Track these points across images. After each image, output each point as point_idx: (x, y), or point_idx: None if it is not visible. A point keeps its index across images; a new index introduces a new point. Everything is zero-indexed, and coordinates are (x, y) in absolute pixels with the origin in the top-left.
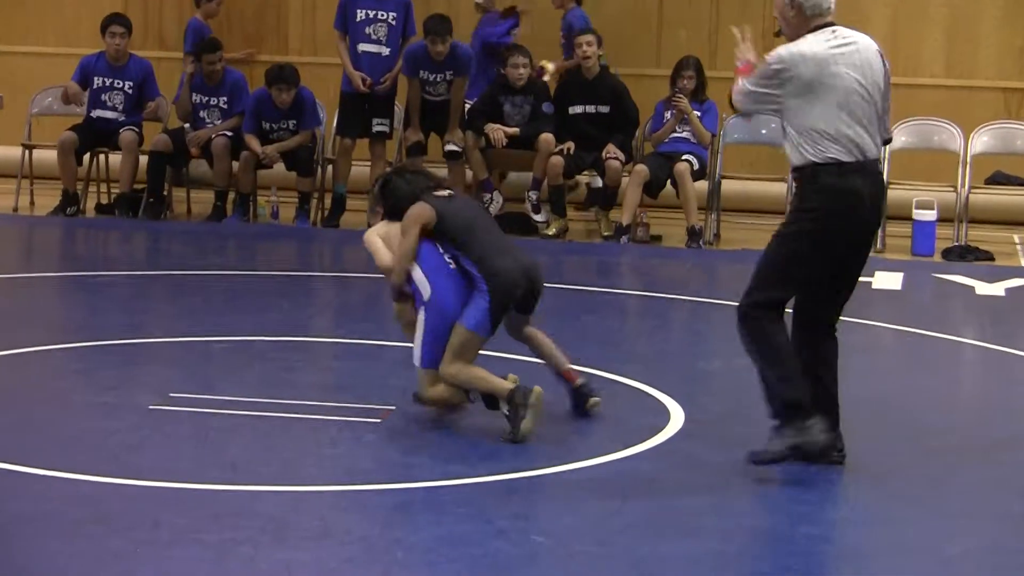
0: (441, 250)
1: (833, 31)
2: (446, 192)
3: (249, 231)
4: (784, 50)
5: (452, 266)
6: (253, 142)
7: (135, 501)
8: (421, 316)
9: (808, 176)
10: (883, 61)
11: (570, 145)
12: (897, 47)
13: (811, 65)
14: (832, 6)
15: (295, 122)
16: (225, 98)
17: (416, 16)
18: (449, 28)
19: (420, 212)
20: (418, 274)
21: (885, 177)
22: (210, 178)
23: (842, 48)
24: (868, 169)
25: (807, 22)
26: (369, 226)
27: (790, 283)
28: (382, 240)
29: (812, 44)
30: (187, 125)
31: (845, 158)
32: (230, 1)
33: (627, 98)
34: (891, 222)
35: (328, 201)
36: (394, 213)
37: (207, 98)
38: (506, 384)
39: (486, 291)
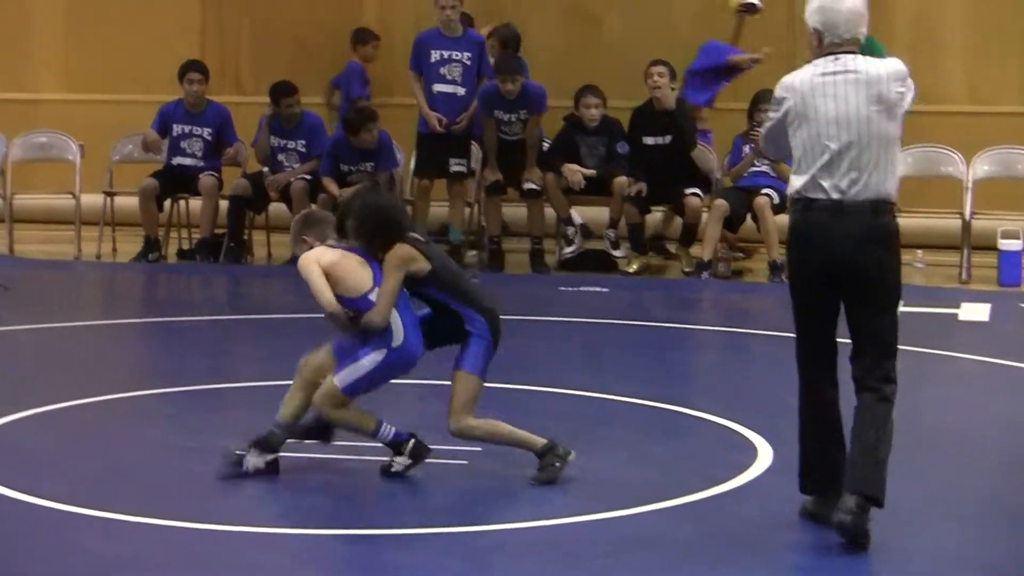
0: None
1: (836, 58)
2: (416, 234)
3: None
4: (784, 78)
5: (417, 310)
6: (331, 185)
7: (224, 545)
8: (378, 355)
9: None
10: (897, 87)
11: (642, 187)
12: (972, 74)
13: (796, 94)
14: (852, 35)
15: (372, 164)
16: (303, 141)
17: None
18: (519, 67)
19: (411, 256)
20: (394, 317)
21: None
22: (290, 222)
23: (833, 77)
24: (845, 208)
25: (822, 50)
26: (294, 257)
27: (796, 330)
28: (324, 269)
29: (803, 72)
30: (266, 168)
31: (812, 194)
32: (306, 44)
33: (690, 130)
34: (976, 252)
35: None
36: (359, 237)
37: (285, 141)
38: (539, 439)
39: (485, 332)
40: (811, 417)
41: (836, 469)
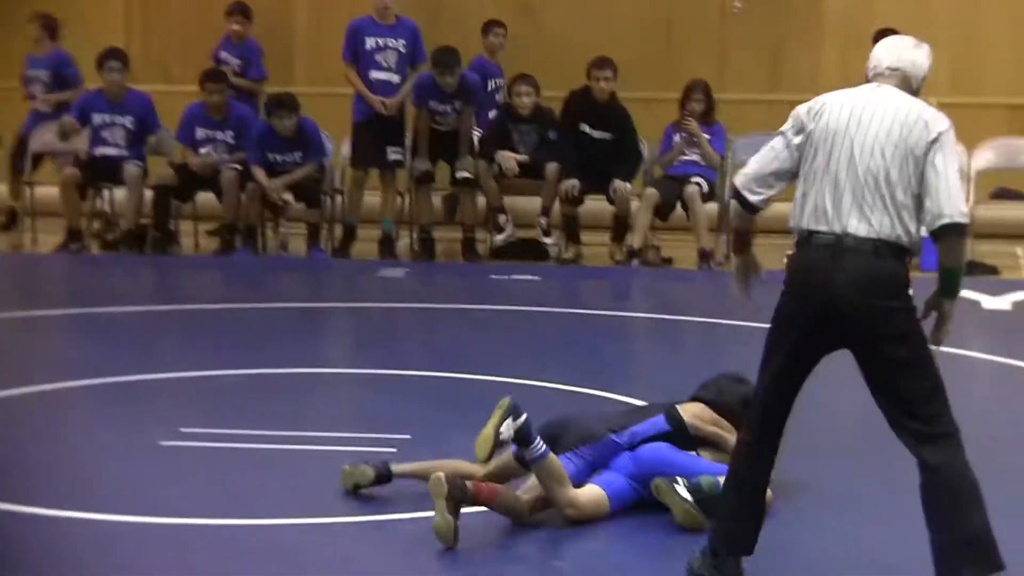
0: None
1: (873, 87)
2: None
3: (259, 264)
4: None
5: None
6: (260, 174)
7: (152, 538)
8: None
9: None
10: (919, 130)
11: (575, 184)
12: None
13: (812, 117)
14: (891, 67)
15: (301, 154)
16: (231, 132)
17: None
18: (458, 60)
19: None
20: None
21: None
22: (218, 211)
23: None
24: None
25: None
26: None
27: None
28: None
29: (826, 96)
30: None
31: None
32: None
33: (632, 129)
34: None
35: (338, 231)
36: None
37: (212, 132)
38: None
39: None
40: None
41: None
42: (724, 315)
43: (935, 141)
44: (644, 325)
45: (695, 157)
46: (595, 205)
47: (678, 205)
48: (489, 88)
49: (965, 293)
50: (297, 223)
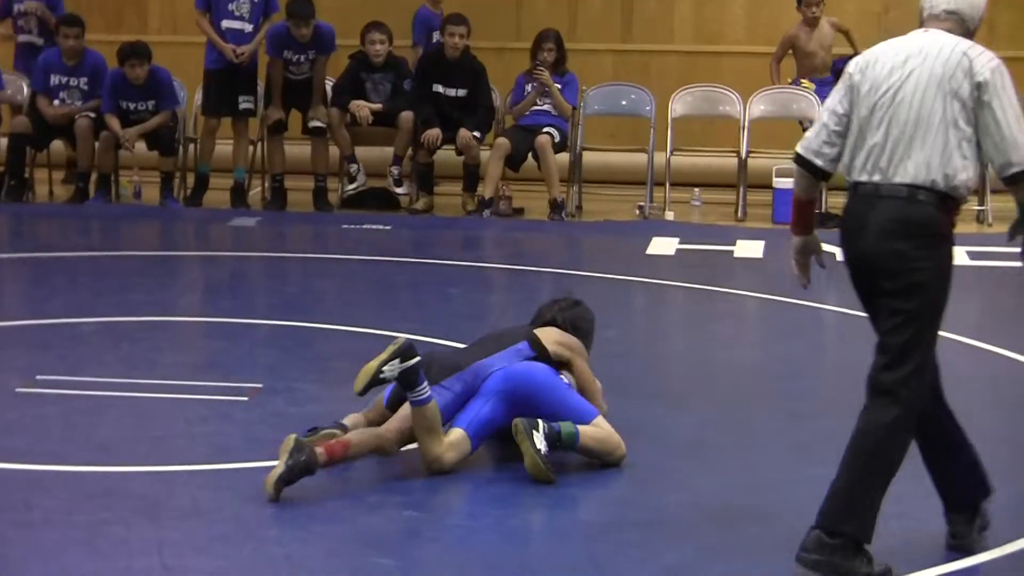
0: None
1: (921, 33)
2: None
3: (112, 212)
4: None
5: None
6: (113, 122)
7: (4, 484)
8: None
9: None
10: (962, 72)
11: (436, 134)
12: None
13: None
14: (948, 10)
15: (154, 102)
16: (86, 79)
17: None
18: (312, 11)
19: None
20: None
21: (745, 146)
22: (72, 159)
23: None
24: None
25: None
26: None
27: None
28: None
29: (876, 48)
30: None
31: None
32: None
33: (485, 84)
34: (752, 191)
35: (191, 180)
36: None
37: (66, 78)
38: None
39: None
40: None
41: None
42: (574, 266)
43: (984, 85)
44: (495, 275)
45: (547, 107)
46: (447, 155)
47: (529, 155)
48: (434, 40)
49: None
50: (150, 171)
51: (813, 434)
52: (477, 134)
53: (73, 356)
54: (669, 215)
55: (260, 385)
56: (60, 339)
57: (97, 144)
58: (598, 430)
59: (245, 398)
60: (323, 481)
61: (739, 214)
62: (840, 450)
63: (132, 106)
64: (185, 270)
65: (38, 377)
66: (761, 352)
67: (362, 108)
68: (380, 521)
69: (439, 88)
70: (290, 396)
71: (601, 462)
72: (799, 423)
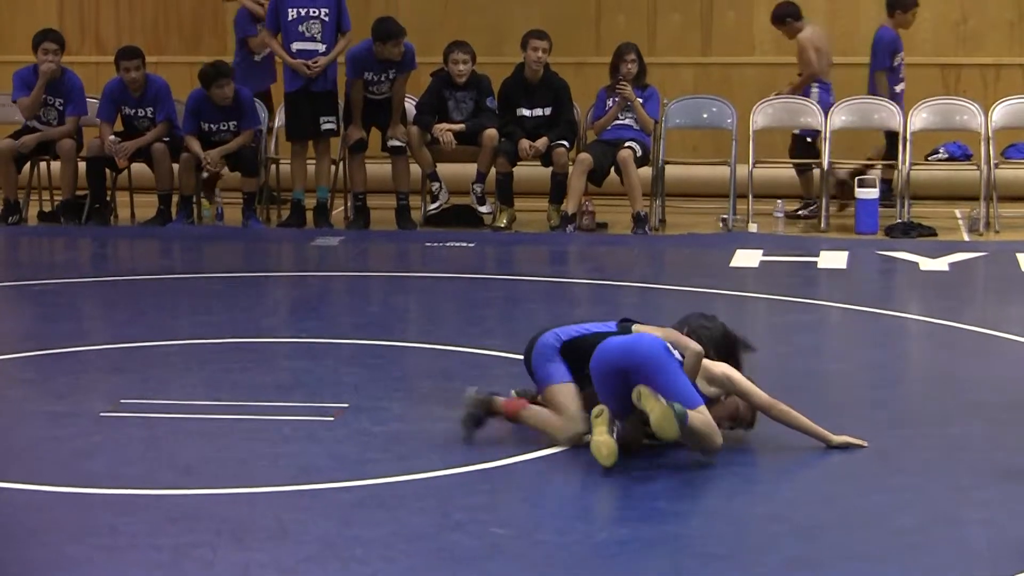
0: None
1: None
2: None
3: (194, 233)
4: None
5: None
6: (193, 143)
7: (90, 508)
8: None
9: None
10: None
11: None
12: (834, 25)
13: None
14: None
15: (235, 123)
16: (151, 108)
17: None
18: (402, 30)
19: None
20: None
21: (827, 156)
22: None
23: None
24: None
25: None
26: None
27: None
28: None
29: None
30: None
31: None
32: (167, 2)
33: (568, 101)
34: (835, 201)
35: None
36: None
37: (134, 110)
38: None
39: None
40: None
41: None
42: (658, 280)
43: None
44: (579, 290)
45: (629, 121)
46: (530, 170)
47: (612, 170)
48: None
49: (902, 255)
50: (233, 192)
51: (895, 443)
52: (566, 143)
53: (156, 379)
54: (752, 227)
55: (345, 405)
56: (143, 362)
57: (177, 166)
58: (705, 416)
59: (330, 418)
60: (408, 499)
61: (822, 224)
62: (921, 459)
63: (214, 127)
64: (268, 290)
65: (121, 401)
66: (843, 361)
67: (445, 132)
68: (465, 538)
69: (524, 111)
70: (375, 415)
71: (699, 449)
72: (880, 432)
